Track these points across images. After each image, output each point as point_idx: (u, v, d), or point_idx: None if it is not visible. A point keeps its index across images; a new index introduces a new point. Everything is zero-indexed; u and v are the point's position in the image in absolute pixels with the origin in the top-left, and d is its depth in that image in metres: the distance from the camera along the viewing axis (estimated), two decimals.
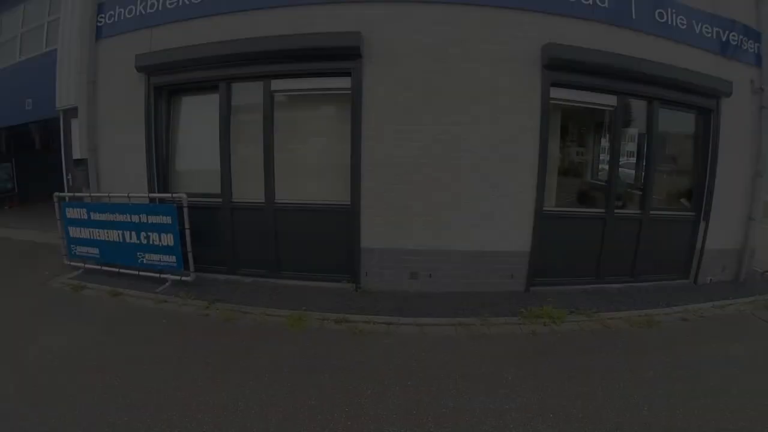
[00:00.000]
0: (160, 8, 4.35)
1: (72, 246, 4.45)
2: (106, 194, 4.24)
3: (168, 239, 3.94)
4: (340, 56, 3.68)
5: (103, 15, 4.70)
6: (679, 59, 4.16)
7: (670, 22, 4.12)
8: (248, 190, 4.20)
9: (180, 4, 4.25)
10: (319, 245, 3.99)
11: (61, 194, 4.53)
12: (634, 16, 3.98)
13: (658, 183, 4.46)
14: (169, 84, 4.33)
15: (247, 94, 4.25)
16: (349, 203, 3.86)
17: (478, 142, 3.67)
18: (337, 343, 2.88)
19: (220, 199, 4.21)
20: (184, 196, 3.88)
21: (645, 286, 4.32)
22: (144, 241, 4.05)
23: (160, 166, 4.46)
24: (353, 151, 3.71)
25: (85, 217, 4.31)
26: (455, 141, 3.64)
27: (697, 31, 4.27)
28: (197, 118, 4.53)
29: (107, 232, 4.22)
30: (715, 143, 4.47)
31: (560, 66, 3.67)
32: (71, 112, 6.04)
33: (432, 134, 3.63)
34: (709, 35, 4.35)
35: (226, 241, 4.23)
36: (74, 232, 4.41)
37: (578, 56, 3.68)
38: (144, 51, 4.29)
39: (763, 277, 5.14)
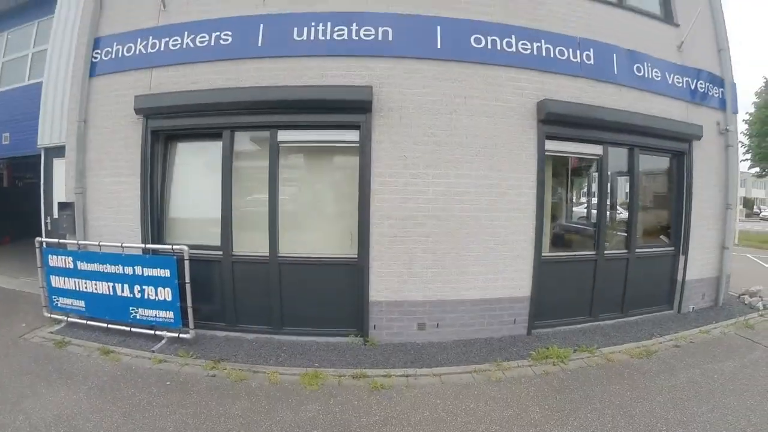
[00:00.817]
0: (162, 49, 4.36)
1: (54, 297, 4.26)
2: (97, 243, 4.10)
3: (165, 293, 3.86)
4: (350, 109, 3.87)
5: (98, 51, 4.61)
6: (656, 108, 4.70)
7: (646, 75, 4.67)
8: (250, 243, 4.20)
9: (184, 46, 4.30)
10: (324, 300, 4.05)
11: (44, 239, 4.36)
12: (616, 71, 4.47)
13: (640, 222, 4.92)
14: (168, 128, 4.33)
15: (252, 143, 4.36)
16: (355, 256, 3.98)
17: (481, 194, 3.96)
18: (361, 399, 2.99)
19: (219, 252, 4.15)
20: (186, 248, 3.81)
21: (635, 320, 4.75)
22: (138, 295, 3.95)
23: (155, 215, 4.36)
24: (361, 204, 3.88)
25: (71, 266, 4.15)
26: (460, 193, 3.91)
27: (670, 82, 4.85)
28: (197, 165, 4.53)
29: (96, 284, 4.07)
30: (689, 181, 5.03)
31: (554, 120, 4.06)
32: (55, 151, 5.86)
33: (438, 187, 3.87)
34: (680, 85, 4.94)
35: (226, 295, 4.18)
36: (57, 281, 4.23)
37: (570, 111, 4.09)
38: (143, 92, 4.29)
39: (740, 300, 5.81)
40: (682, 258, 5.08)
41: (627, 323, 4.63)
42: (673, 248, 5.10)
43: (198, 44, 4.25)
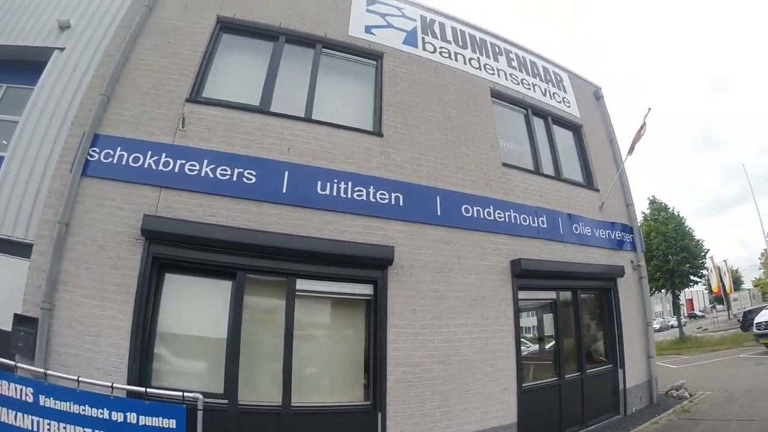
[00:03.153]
0: (176, 170, 4.52)
1: None
2: (75, 377, 3.58)
3: None
4: (370, 266, 4.92)
5: (96, 149, 4.45)
6: (590, 257, 6.72)
7: (581, 232, 6.76)
8: (257, 391, 4.39)
9: (203, 174, 4.56)
10: None
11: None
12: (561, 232, 6.47)
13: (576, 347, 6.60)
14: (174, 258, 4.35)
15: (265, 287, 4.77)
16: (368, 403, 4.68)
17: (474, 339, 5.26)
18: None
19: (223, 401, 4.12)
20: (201, 396, 3.76)
21: (594, 428, 6.20)
22: None
23: (145, 351, 4.15)
24: (377, 353, 4.78)
25: (30, 399, 3.57)
26: (459, 340, 5.16)
27: (597, 235, 7.01)
28: (200, 301, 4.62)
29: (65, 428, 3.52)
30: (618, 310, 6.99)
31: (523, 275, 5.70)
32: (3, 245, 5.28)
33: (441, 335, 5.08)
34: (604, 236, 7.15)
35: None
36: (6, 415, 3.59)
37: (535, 267, 5.82)
38: (148, 211, 4.32)
39: (668, 395, 7.80)
40: (620, 371, 6.82)
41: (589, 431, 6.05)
42: (612, 365, 6.86)
43: (219, 176, 4.63)
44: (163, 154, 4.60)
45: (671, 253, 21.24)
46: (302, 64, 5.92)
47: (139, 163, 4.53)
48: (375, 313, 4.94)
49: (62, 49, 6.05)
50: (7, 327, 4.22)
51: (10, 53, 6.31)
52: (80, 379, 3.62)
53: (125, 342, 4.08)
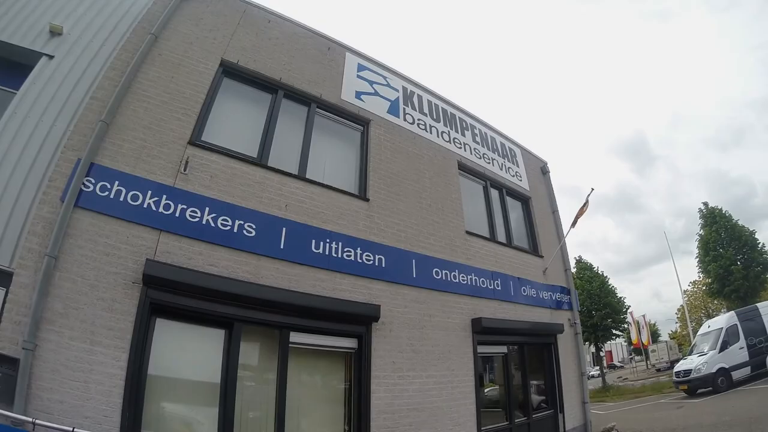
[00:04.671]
0: (177, 214, 4.71)
1: None
2: (71, 428, 3.51)
3: None
4: (358, 322, 5.89)
5: (92, 180, 4.44)
6: (535, 316, 8.40)
7: (528, 294, 8.46)
8: None
9: (203, 222, 4.85)
10: None
11: None
12: (512, 293, 8.09)
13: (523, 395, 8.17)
14: (170, 305, 4.50)
15: (258, 338, 5.21)
16: None
17: (443, 388, 6.45)
18: None
19: None
20: None
21: None
22: None
23: (140, 399, 4.19)
24: (362, 402, 5.68)
25: None
26: (429, 389, 6.31)
27: (541, 297, 8.78)
28: (192, 349, 4.81)
29: None
30: (558, 362, 8.69)
31: (482, 331, 7.12)
32: None
33: (415, 385, 6.20)
34: (547, 297, 8.95)
35: None
36: None
37: (491, 324, 7.25)
38: (146, 254, 4.44)
39: None
40: (561, 415, 8.39)
41: None
42: (553, 410, 8.43)
43: (219, 226, 4.98)
44: (164, 196, 4.79)
45: (595, 309, 24.64)
46: (298, 121, 6.65)
47: (139, 201, 4.63)
48: (359, 365, 5.91)
49: (51, 57, 5.84)
50: None
51: None
52: (75, 430, 3.55)
53: (118, 390, 4.09)
